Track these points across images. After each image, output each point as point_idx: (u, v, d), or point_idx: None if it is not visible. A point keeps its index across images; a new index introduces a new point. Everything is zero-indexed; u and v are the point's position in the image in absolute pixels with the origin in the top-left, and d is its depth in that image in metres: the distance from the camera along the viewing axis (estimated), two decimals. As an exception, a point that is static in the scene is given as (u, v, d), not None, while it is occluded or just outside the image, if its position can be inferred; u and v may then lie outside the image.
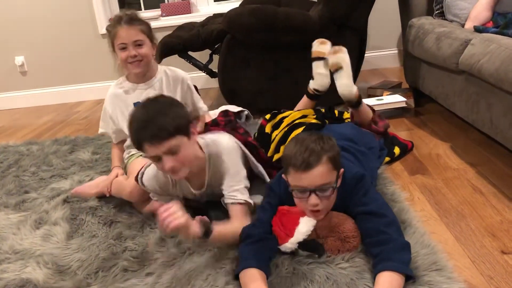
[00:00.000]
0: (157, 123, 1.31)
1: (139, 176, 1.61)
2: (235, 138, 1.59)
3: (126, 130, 1.82)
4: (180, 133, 1.34)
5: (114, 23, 1.74)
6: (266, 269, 1.25)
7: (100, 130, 1.96)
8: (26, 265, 1.46)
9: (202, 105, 1.99)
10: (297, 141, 1.30)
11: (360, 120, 1.98)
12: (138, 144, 1.35)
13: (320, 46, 2.06)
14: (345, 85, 1.90)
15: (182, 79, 1.90)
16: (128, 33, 1.72)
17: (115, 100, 1.87)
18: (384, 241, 1.21)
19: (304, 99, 2.15)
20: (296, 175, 1.26)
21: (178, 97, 1.85)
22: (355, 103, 1.94)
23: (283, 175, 1.35)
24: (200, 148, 1.50)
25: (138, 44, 1.74)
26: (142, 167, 1.62)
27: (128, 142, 1.88)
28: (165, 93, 1.85)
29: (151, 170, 1.58)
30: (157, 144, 1.31)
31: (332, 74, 1.97)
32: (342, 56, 1.95)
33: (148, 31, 1.79)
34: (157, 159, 1.36)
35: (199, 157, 1.48)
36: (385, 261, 1.17)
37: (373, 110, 2.06)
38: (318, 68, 2.05)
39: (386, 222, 1.26)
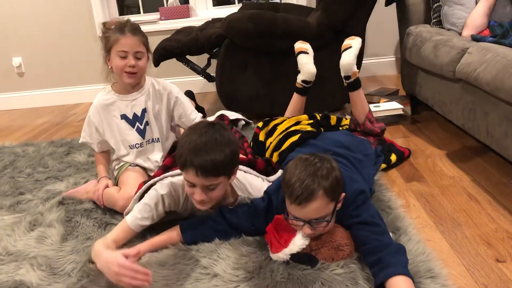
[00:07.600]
0: (211, 157, 1.27)
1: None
2: (267, 182, 1.59)
3: (111, 142, 1.85)
4: (225, 174, 1.34)
5: (116, 30, 1.72)
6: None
7: (81, 140, 1.90)
8: (20, 267, 1.45)
9: (195, 116, 1.93)
10: (297, 165, 1.27)
11: (356, 112, 1.99)
12: (183, 165, 1.32)
13: (302, 44, 2.20)
14: (348, 56, 1.96)
15: (169, 92, 1.86)
16: (131, 42, 1.72)
17: (102, 111, 1.84)
18: (380, 248, 1.21)
19: (294, 97, 2.19)
20: (292, 206, 1.26)
21: (164, 109, 1.86)
22: (352, 83, 1.97)
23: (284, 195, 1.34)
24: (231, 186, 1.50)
25: (138, 57, 1.74)
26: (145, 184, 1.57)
27: (117, 154, 1.86)
28: (151, 105, 1.84)
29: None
30: (201, 177, 1.30)
31: (341, 53, 2.00)
32: (356, 41, 2.03)
33: (147, 44, 1.78)
34: (191, 185, 1.35)
35: (228, 195, 1.49)
36: (387, 267, 1.16)
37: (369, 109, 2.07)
38: (303, 59, 2.13)
39: (379, 230, 1.27)
